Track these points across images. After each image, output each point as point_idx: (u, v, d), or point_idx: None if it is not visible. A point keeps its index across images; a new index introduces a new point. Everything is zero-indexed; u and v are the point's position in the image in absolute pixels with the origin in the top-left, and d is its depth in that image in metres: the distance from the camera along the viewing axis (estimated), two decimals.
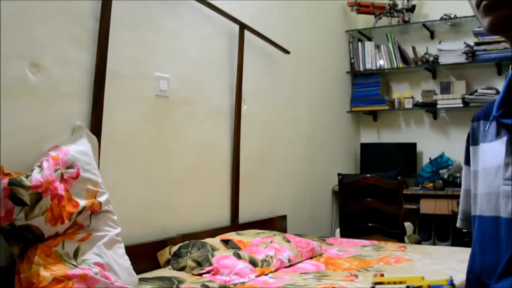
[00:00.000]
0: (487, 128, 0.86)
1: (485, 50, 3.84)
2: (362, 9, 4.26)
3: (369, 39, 4.44)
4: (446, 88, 4.08)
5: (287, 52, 3.27)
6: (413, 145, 4.21)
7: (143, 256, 2.10)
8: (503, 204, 0.78)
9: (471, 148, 0.93)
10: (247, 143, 2.89)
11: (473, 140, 0.92)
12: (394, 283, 0.93)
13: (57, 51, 1.83)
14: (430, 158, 4.02)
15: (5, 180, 1.50)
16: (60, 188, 1.62)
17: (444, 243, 3.91)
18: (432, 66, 4.11)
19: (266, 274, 2.10)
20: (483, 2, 0.72)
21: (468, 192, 0.97)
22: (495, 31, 0.73)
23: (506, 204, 0.77)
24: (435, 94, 4.10)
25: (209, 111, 2.65)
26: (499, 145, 0.80)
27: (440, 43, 4.07)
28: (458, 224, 1.00)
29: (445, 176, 3.95)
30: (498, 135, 0.82)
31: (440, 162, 3.97)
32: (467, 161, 0.96)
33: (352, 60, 4.37)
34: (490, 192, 0.81)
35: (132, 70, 2.17)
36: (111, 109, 2.03)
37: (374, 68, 4.29)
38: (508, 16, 0.71)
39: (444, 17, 4.01)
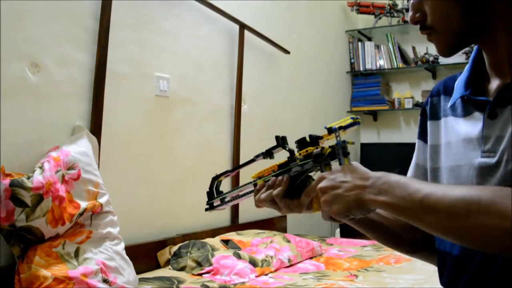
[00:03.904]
0: (449, 105, 0.87)
1: None
2: (362, 9, 4.26)
3: (369, 39, 4.44)
4: None
5: (287, 52, 3.27)
6: (413, 145, 4.16)
7: (143, 256, 2.10)
8: (476, 174, 0.79)
9: (429, 122, 0.93)
10: (247, 143, 2.89)
11: (432, 114, 0.92)
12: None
13: (57, 51, 1.83)
14: None
15: (6, 181, 1.50)
16: (61, 189, 1.62)
17: None
18: (432, 66, 4.11)
19: (266, 274, 2.10)
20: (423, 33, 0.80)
21: (418, 166, 0.99)
22: (448, 56, 0.80)
23: (481, 174, 0.78)
24: None
25: (209, 111, 2.65)
26: (471, 120, 0.81)
27: None
28: None
29: None
30: (467, 111, 0.83)
31: None
32: (421, 135, 0.97)
33: (352, 60, 4.37)
34: (460, 164, 0.82)
35: (132, 70, 2.17)
36: (111, 109, 2.03)
37: (374, 68, 4.29)
38: (446, 42, 0.79)
39: None
